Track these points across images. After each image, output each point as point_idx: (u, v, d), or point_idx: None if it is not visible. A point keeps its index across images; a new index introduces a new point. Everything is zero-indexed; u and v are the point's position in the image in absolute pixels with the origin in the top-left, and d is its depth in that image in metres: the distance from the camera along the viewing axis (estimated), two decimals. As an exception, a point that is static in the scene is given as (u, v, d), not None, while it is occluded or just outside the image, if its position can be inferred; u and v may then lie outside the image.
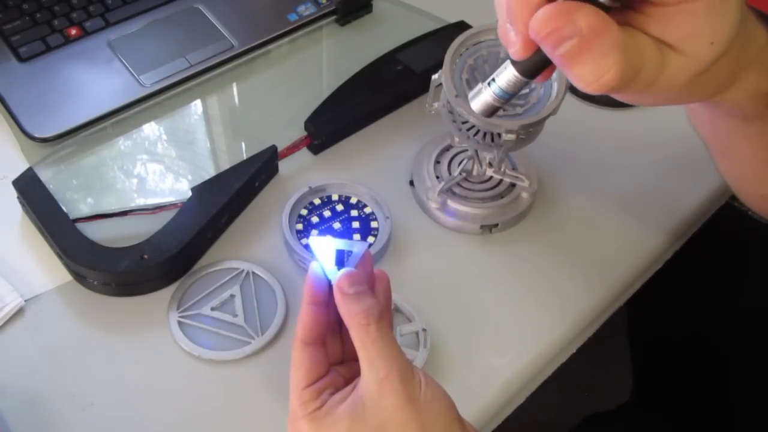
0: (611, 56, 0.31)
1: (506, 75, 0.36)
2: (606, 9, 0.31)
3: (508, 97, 0.37)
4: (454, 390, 0.39)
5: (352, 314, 0.39)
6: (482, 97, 0.38)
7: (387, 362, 0.37)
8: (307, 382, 0.39)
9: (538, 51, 0.33)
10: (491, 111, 0.38)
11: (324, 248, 0.42)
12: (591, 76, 0.32)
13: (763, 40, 0.38)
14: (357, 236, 0.56)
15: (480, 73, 0.52)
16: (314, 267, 0.41)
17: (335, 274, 0.40)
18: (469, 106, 0.49)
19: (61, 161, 0.60)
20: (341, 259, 0.42)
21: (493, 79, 0.37)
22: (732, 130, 0.46)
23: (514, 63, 0.35)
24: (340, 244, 0.42)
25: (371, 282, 0.42)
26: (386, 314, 0.42)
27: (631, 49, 0.32)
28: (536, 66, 0.34)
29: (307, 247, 0.55)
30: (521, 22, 0.32)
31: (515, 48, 0.33)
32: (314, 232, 0.56)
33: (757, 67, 0.38)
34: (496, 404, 0.51)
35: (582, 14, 0.31)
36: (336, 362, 0.42)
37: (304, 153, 0.63)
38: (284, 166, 0.62)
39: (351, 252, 0.42)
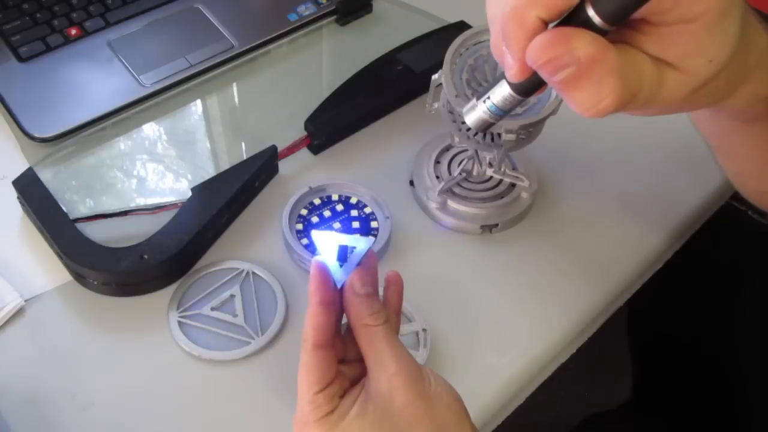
0: (609, 82, 0.31)
1: (501, 93, 0.36)
2: (602, 32, 0.31)
3: (503, 114, 0.37)
4: (454, 390, 0.39)
5: (362, 315, 0.38)
6: (476, 113, 0.38)
7: (395, 359, 0.37)
8: (320, 386, 0.38)
9: (535, 72, 0.33)
10: (485, 127, 0.38)
11: (327, 243, 0.41)
12: (589, 102, 0.32)
13: (764, 45, 0.37)
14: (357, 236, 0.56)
15: (480, 73, 0.52)
16: (320, 264, 0.40)
17: (339, 271, 0.40)
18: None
19: (61, 161, 0.60)
20: (344, 254, 0.41)
21: (488, 97, 0.37)
22: (732, 131, 0.46)
23: (510, 83, 0.35)
24: (344, 239, 0.41)
25: (375, 281, 0.42)
26: (395, 317, 0.42)
27: (629, 71, 0.32)
28: (532, 86, 0.34)
29: (307, 246, 0.55)
30: (518, 46, 0.32)
31: (512, 71, 0.33)
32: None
33: (758, 75, 0.38)
34: (496, 404, 0.51)
35: (580, 42, 0.30)
36: (339, 361, 0.42)
37: (304, 153, 0.63)
38: (284, 166, 0.62)
39: (354, 248, 0.41)
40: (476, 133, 0.52)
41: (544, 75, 0.32)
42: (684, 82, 0.33)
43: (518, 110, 0.51)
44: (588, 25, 0.30)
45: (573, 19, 0.31)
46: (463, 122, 0.52)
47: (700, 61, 0.33)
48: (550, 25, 0.31)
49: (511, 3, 0.31)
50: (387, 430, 0.37)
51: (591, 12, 0.30)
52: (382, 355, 0.37)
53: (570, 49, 0.30)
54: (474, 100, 0.38)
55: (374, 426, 0.37)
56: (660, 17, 0.31)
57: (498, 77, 0.36)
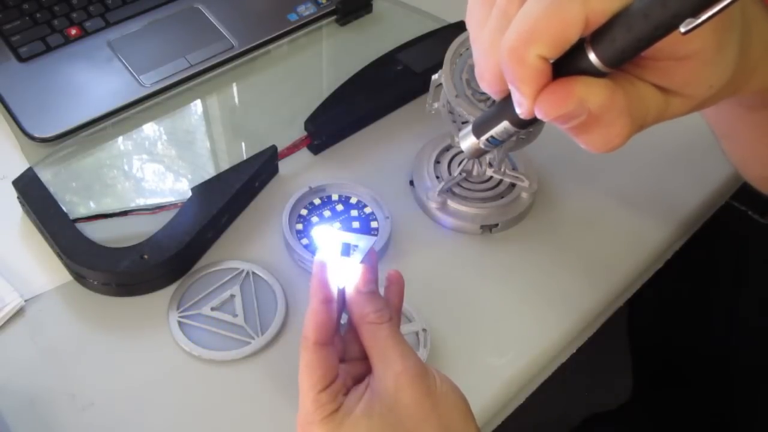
0: (619, 123, 0.32)
1: (500, 126, 0.36)
2: (603, 74, 0.31)
3: (498, 144, 0.37)
4: (454, 390, 0.39)
5: (366, 313, 0.38)
6: (472, 140, 0.38)
7: (402, 358, 0.37)
8: (323, 384, 0.38)
9: None
10: (480, 154, 0.39)
11: (330, 241, 0.41)
12: (599, 143, 0.32)
13: None
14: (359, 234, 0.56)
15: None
16: (322, 263, 0.39)
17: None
18: (469, 106, 0.50)
19: (61, 161, 0.60)
20: (347, 253, 0.40)
21: (486, 131, 0.37)
22: (736, 117, 0.46)
23: (509, 116, 0.35)
24: (346, 237, 0.41)
25: (376, 280, 0.42)
26: (396, 316, 0.42)
27: (636, 107, 0.32)
28: (532, 120, 0.34)
29: (307, 246, 0.55)
30: (524, 84, 0.31)
31: (524, 109, 0.32)
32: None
33: (763, 67, 0.38)
34: (496, 404, 0.51)
35: (589, 93, 0.30)
36: (339, 360, 0.42)
37: (304, 153, 0.63)
38: (284, 166, 0.62)
39: (357, 246, 0.41)
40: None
41: (554, 123, 0.32)
42: (686, 103, 0.34)
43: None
44: (589, 67, 0.30)
45: (574, 61, 0.30)
46: (464, 122, 0.52)
47: (701, 88, 0.33)
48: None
49: (508, 43, 0.30)
50: (394, 428, 0.36)
51: (592, 56, 0.30)
52: (388, 354, 0.37)
53: (580, 102, 0.30)
54: (469, 128, 0.38)
55: (381, 424, 0.36)
56: (656, 54, 0.31)
57: (491, 107, 0.36)
